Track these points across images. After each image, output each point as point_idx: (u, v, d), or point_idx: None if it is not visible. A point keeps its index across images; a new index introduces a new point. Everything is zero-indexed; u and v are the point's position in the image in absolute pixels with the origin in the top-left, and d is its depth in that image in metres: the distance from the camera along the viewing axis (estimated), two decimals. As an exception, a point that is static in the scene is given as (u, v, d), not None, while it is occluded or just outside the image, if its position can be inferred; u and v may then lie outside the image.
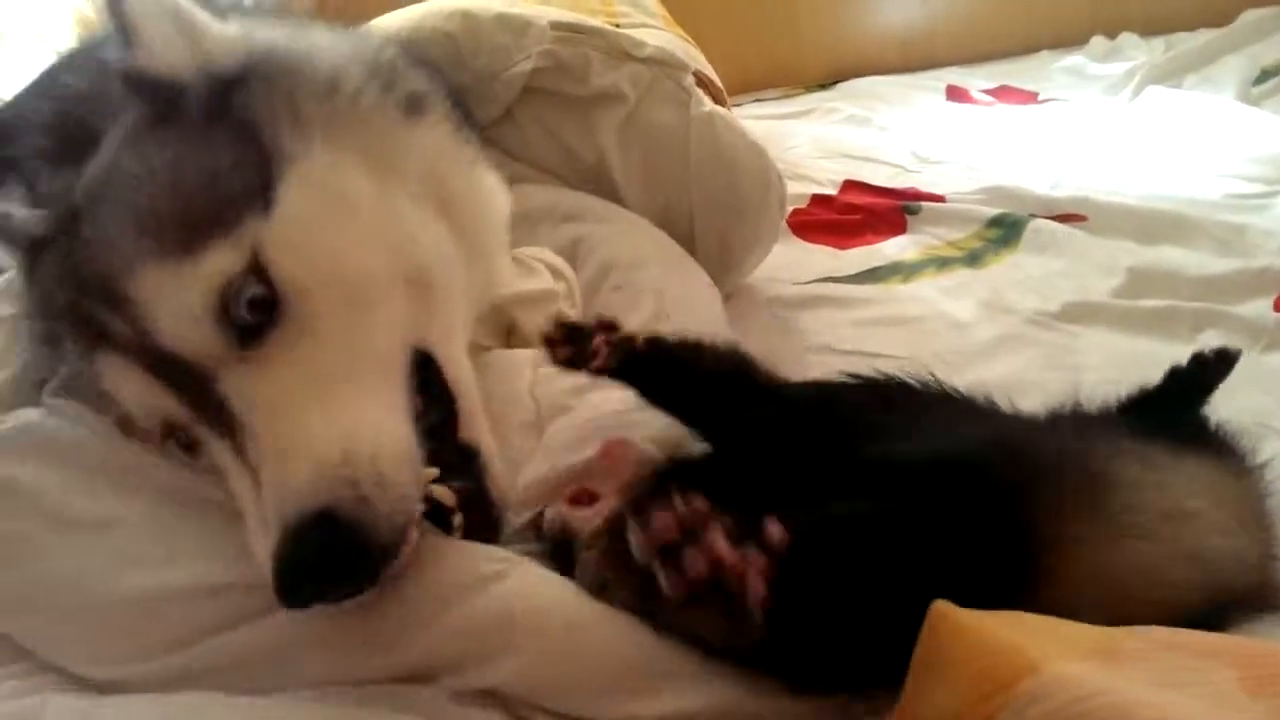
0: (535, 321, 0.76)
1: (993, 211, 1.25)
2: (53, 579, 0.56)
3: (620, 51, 1.11)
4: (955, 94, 1.92)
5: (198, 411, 0.55)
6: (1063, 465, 0.54)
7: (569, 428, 0.68)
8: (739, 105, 1.75)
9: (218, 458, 0.56)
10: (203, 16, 0.63)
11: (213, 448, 0.56)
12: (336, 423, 0.51)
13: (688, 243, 1.04)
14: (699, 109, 1.09)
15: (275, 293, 0.54)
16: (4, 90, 1.76)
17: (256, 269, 0.54)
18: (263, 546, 0.49)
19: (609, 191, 1.10)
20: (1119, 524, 0.50)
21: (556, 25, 1.12)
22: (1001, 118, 1.75)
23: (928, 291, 1.09)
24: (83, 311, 0.57)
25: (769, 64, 2.27)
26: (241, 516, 0.54)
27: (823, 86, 2.16)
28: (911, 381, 0.70)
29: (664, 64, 1.12)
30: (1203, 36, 1.92)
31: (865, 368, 0.92)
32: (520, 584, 0.53)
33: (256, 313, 0.54)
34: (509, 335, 0.86)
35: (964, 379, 0.89)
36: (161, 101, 0.59)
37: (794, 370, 0.78)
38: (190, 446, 0.59)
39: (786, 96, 2.12)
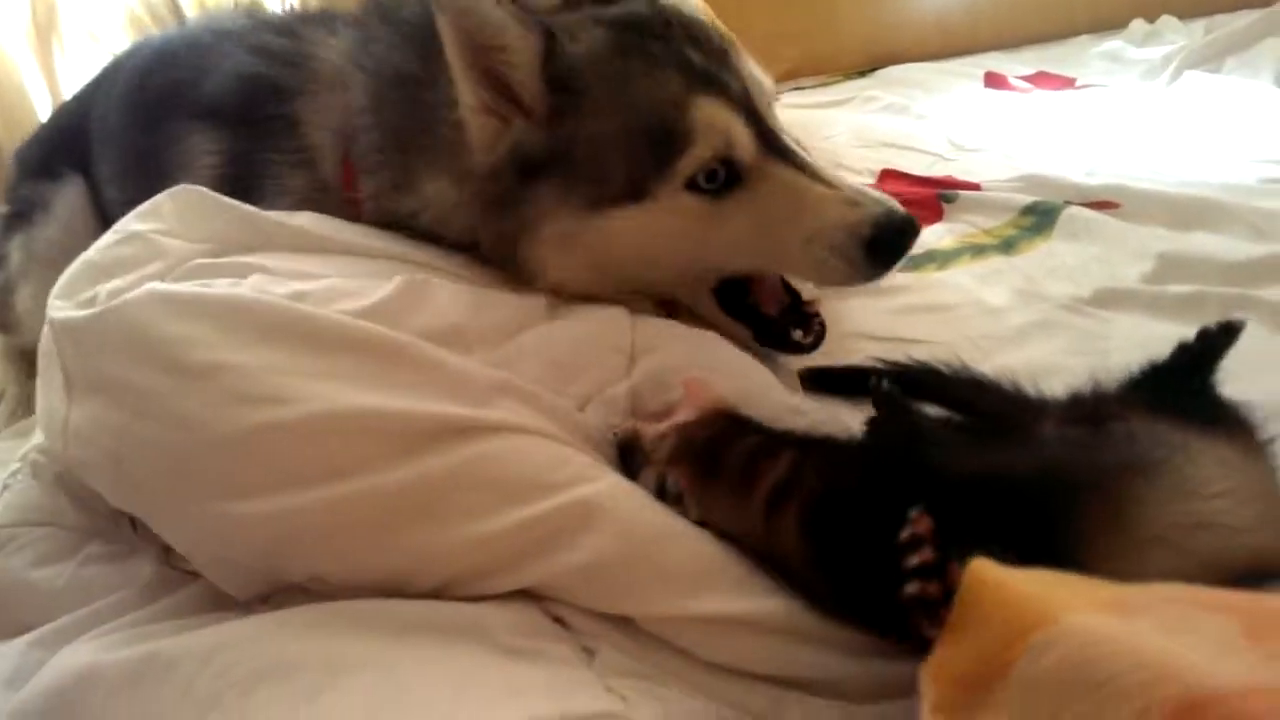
0: None
1: (1028, 199, 1.28)
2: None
3: None
4: (993, 80, 1.93)
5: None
6: (1099, 483, 0.55)
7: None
8: (779, 94, 1.78)
9: (791, 172, 0.82)
10: None
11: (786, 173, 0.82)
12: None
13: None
14: None
15: None
16: (66, 89, 1.84)
17: None
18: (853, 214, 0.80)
19: None
20: (1145, 538, 0.52)
21: None
22: (1038, 104, 1.76)
23: (963, 279, 1.12)
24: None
25: (808, 52, 2.30)
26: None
27: (861, 74, 2.19)
28: (943, 369, 0.74)
29: None
30: (1244, 19, 1.91)
31: (900, 353, 0.98)
32: (607, 486, 0.59)
33: None
34: None
35: (995, 363, 0.94)
36: None
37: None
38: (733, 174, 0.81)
39: (825, 84, 2.16)
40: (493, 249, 0.86)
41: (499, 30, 0.77)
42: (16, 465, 0.65)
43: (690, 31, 0.86)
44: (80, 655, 0.52)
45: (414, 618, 0.53)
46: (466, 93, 0.79)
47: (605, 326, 0.79)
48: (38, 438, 0.68)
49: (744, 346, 0.87)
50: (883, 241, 0.82)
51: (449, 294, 0.74)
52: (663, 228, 0.81)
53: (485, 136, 0.81)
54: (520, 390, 0.65)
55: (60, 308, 0.64)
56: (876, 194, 0.84)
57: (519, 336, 0.74)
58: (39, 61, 1.90)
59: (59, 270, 0.72)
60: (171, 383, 0.56)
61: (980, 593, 0.47)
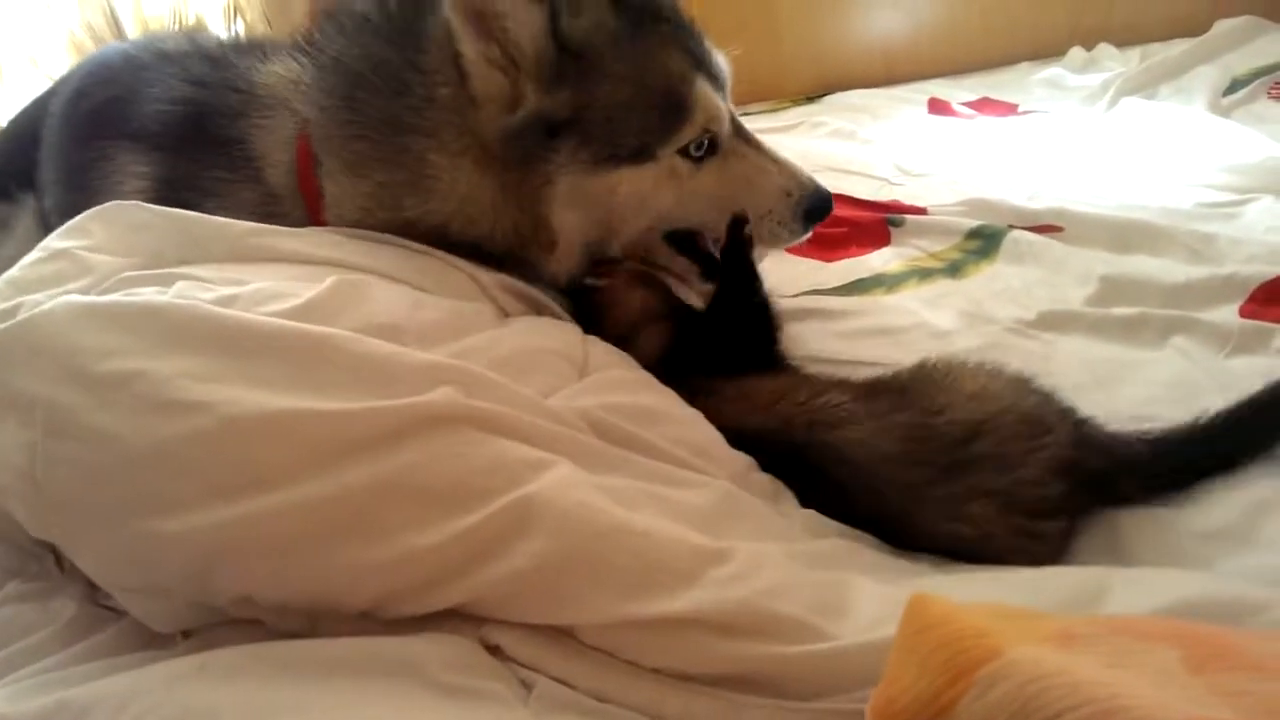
0: None
1: (973, 223, 1.29)
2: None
3: None
4: (937, 106, 1.96)
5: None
6: None
7: None
8: (727, 120, 1.79)
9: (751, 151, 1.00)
10: None
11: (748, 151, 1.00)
12: None
13: None
14: None
15: None
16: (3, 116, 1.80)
17: None
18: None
19: None
20: None
21: None
22: (982, 130, 1.79)
23: (910, 302, 1.13)
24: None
25: (755, 77, 2.31)
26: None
27: (809, 99, 2.21)
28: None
29: None
30: (1177, 47, 1.97)
31: (850, 372, 0.98)
32: (548, 481, 0.56)
33: None
34: None
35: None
36: None
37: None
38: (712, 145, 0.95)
39: (773, 110, 2.17)
40: (511, 217, 0.91)
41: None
42: None
43: (680, 17, 0.98)
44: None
45: (342, 657, 0.50)
46: (469, 48, 0.84)
47: (557, 336, 0.81)
48: None
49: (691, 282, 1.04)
50: (814, 211, 1.03)
51: (387, 293, 0.73)
52: (657, 185, 0.94)
53: (491, 89, 0.86)
54: (464, 372, 0.62)
55: None
56: (805, 174, 1.04)
57: (464, 339, 0.72)
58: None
59: None
60: (84, 396, 0.54)
61: (924, 627, 0.46)
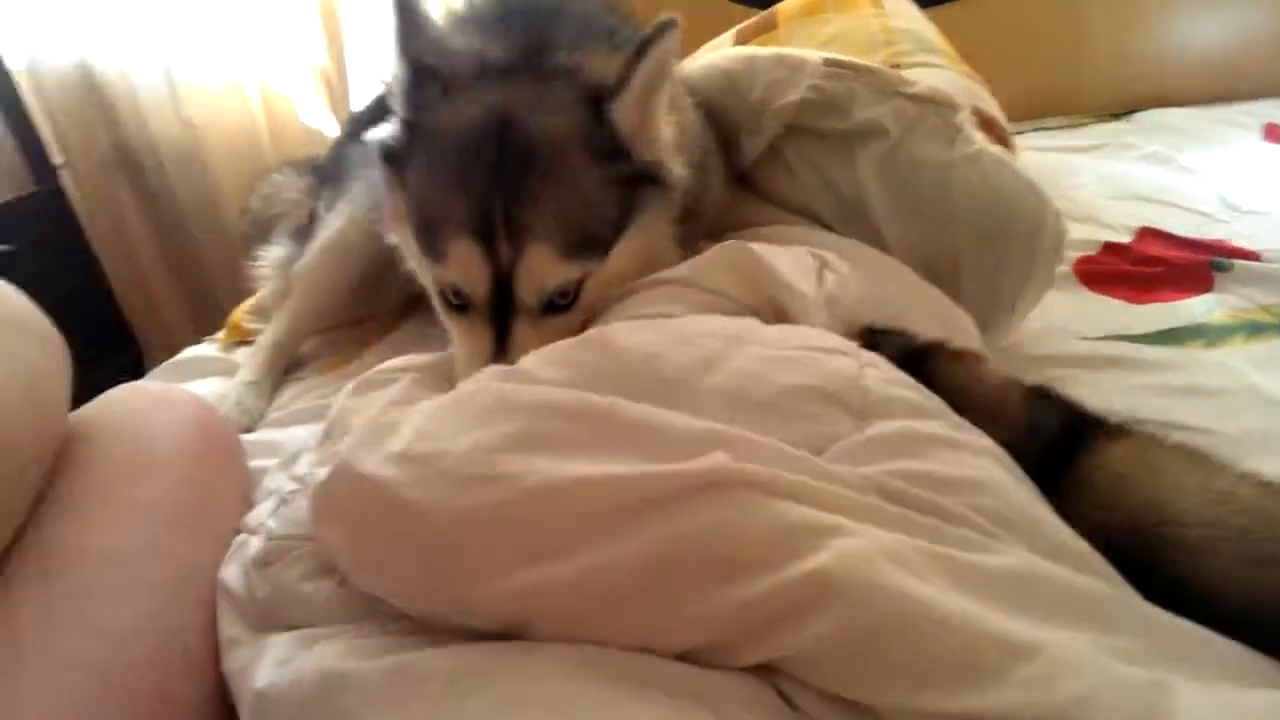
0: None
1: (1317, 276, 1.14)
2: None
3: (887, 87, 1.12)
4: (1275, 134, 1.75)
5: (492, 314, 0.83)
6: None
7: None
8: (1019, 133, 1.69)
9: (471, 331, 0.85)
10: None
11: (475, 326, 0.84)
12: None
13: (952, 284, 1.04)
14: (966, 147, 1.08)
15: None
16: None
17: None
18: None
19: (869, 228, 1.11)
20: None
21: (829, 62, 1.15)
22: (1331, 164, 1.58)
23: (1236, 360, 1.01)
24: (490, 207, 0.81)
25: (1054, 88, 2.16)
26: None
27: (1115, 116, 2.03)
28: None
29: (931, 101, 1.12)
30: None
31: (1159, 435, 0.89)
32: (840, 553, 0.53)
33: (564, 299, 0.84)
34: None
35: (1273, 465, 0.84)
36: None
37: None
38: (463, 308, 0.86)
39: (1073, 126, 2.02)
40: None
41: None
42: (294, 486, 0.70)
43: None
44: (333, 660, 0.55)
45: (655, 676, 0.52)
46: None
47: (827, 367, 0.70)
48: (309, 456, 0.73)
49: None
50: None
51: (643, 334, 0.73)
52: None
53: None
54: (736, 439, 0.60)
55: None
56: None
57: (724, 369, 0.67)
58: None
59: None
60: (395, 471, 0.58)
61: None
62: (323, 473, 0.62)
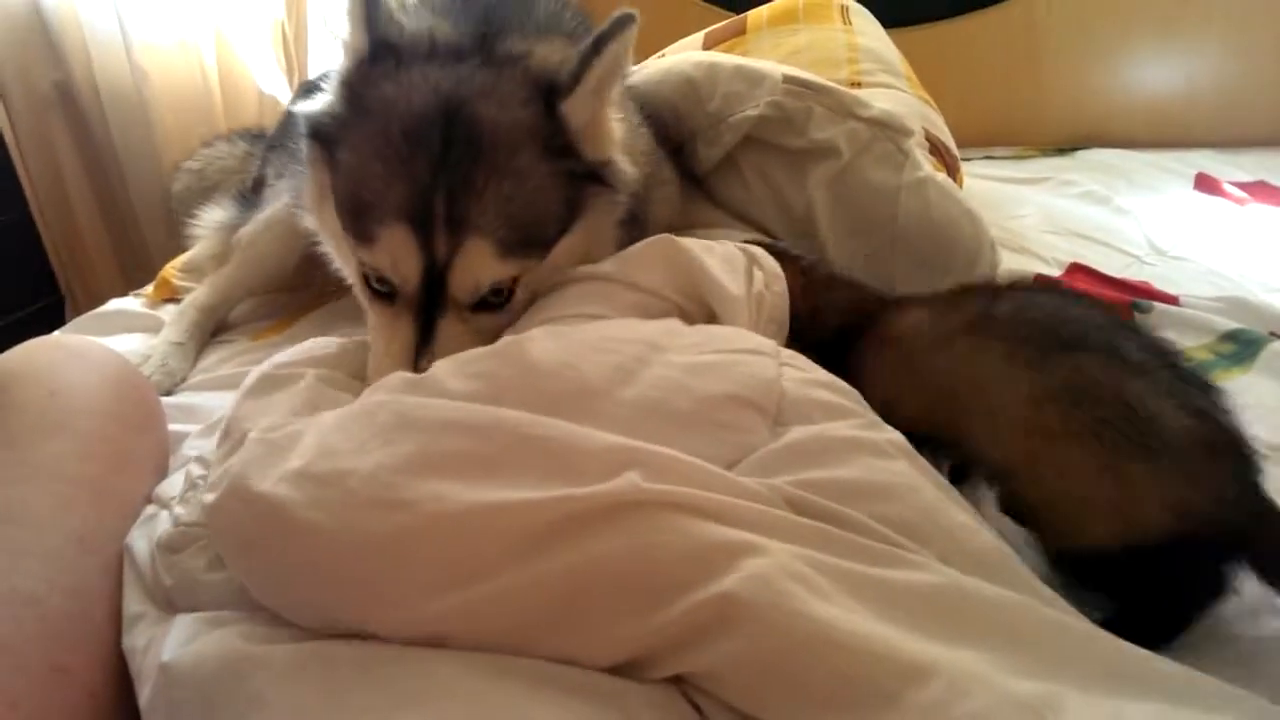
0: None
1: (1230, 324, 1.19)
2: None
3: (843, 109, 1.15)
4: (1204, 183, 1.82)
5: (420, 306, 0.80)
6: None
7: None
8: (968, 160, 1.73)
9: (394, 322, 0.82)
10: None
11: (399, 317, 0.81)
12: None
13: None
14: (914, 173, 1.11)
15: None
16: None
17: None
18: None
19: (816, 243, 1.14)
20: None
21: (788, 79, 1.17)
22: (1254, 218, 1.64)
23: (1147, 400, 1.06)
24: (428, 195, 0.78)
25: (1005, 119, 2.22)
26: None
27: (1060, 151, 2.09)
28: None
29: (885, 125, 1.14)
30: None
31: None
32: (750, 573, 0.53)
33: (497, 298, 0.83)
34: None
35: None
36: None
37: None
38: (387, 296, 0.83)
39: (1019, 158, 2.07)
40: None
41: None
42: (201, 471, 0.69)
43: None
44: (242, 641, 0.54)
45: (566, 678, 0.52)
46: None
47: (745, 372, 0.70)
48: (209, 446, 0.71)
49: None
50: None
51: (556, 341, 0.71)
52: None
53: None
54: (648, 454, 0.59)
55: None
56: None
57: (639, 381, 0.67)
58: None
59: None
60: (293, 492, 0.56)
61: None
62: (213, 496, 0.59)
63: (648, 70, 1.32)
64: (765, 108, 1.15)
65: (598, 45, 0.82)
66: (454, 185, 0.78)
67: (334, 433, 0.60)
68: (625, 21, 0.81)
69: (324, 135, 0.87)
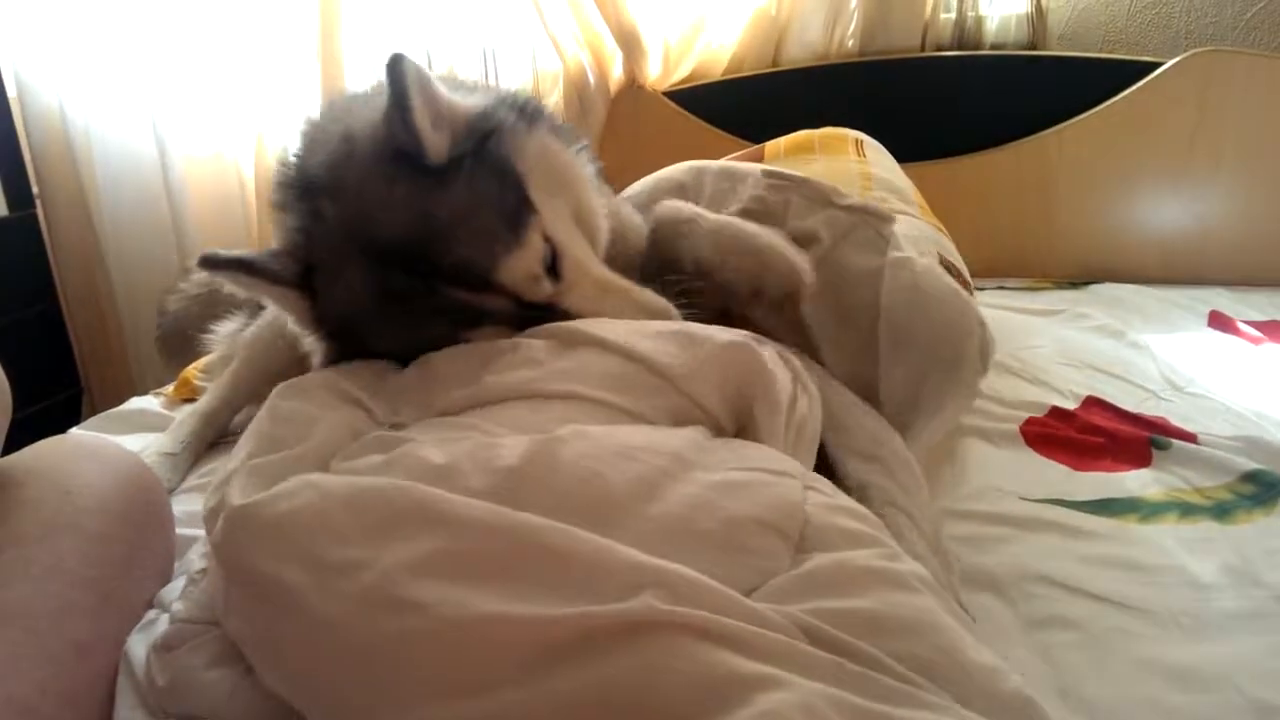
0: None
1: (1250, 465, 1.17)
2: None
3: (821, 197, 1.17)
4: (1218, 321, 1.83)
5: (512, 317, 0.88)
6: None
7: None
8: (981, 290, 1.75)
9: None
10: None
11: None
12: None
13: (874, 388, 1.05)
14: (895, 254, 1.10)
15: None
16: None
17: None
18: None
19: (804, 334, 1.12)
20: None
21: (768, 173, 1.20)
22: (1269, 358, 1.64)
23: (1168, 539, 1.03)
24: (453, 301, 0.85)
25: (1018, 251, 2.26)
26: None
27: (1074, 285, 2.12)
28: None
29: (865, 212, 1.16)
30: None
31: (1088, 609, 0.90)
32: (765, 705, 0.51)
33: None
34: None
35: (1198, 650, 0.85)
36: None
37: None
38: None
39: (1033, 289, 2.10)
40: None
41: None
42: (203, 565, 0.68)
43: None
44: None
45: None
46: None
47: (770, 493, 0.68)
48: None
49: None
50: None
51: (592, 445, 0.70)
52: None
53: None
54: (669, 575, 0.58)
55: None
56: None
57: (664, 498, 0.66)
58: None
59: None
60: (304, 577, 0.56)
61: None
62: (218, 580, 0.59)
63: (642, 180, 1.38)
64: (749, 201, 1.18)
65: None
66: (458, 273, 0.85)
67: (348, 508, 0.60)
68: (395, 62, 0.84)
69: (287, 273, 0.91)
